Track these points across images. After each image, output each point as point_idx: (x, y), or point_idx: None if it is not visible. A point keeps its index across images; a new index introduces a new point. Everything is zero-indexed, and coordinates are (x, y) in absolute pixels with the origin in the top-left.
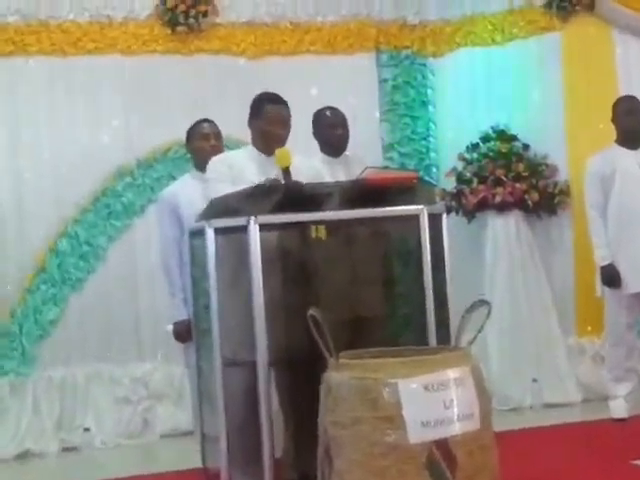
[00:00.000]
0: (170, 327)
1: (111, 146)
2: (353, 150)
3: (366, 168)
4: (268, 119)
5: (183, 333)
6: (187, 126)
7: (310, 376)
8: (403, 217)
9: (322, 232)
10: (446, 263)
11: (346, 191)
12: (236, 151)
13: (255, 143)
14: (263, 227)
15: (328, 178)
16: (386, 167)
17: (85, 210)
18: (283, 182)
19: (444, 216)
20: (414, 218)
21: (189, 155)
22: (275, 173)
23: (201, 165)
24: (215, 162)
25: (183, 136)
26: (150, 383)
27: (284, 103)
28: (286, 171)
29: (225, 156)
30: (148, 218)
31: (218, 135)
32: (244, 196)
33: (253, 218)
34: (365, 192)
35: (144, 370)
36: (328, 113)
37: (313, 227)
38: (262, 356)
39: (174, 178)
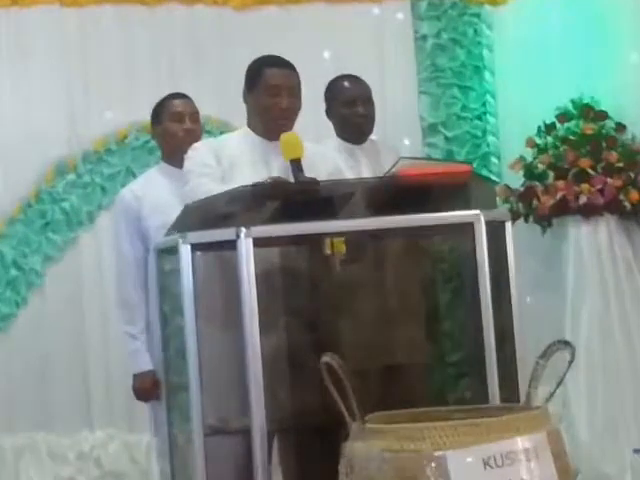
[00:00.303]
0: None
1: (46, 132)
2: (381, 134)
3: (399, 159)
4: (269, 89)
5: (147, 389)
6: (152, 103)
7: (325, 447)
8: (452, 226)
9: (340, 247)
10: (512, 289)
11: (373, 191)
12: (226, 136)
13: (252, 124)
14: (259, 242)
15: (348, 173)
16: (427, 158)
17: (12, 220)
18: (293, 179)
19: (508, 224)
20: (467, 228)
21: (156, 143)
22: (280, 165)
23: (173, 156)
24: (197, 150)
25: (146, 117)
26: (103, 458)
27: (291, 67)
28: (295, 163)
29: (211, 143)
30: (99, 230)
31: (195, 115)
32: (234, 199)
33: (244, 230)
34: (399, 192)
35: (95, 441)
36: (346, 84)
37: (328, 240)
38: (259, 421)
39: (134, 175)
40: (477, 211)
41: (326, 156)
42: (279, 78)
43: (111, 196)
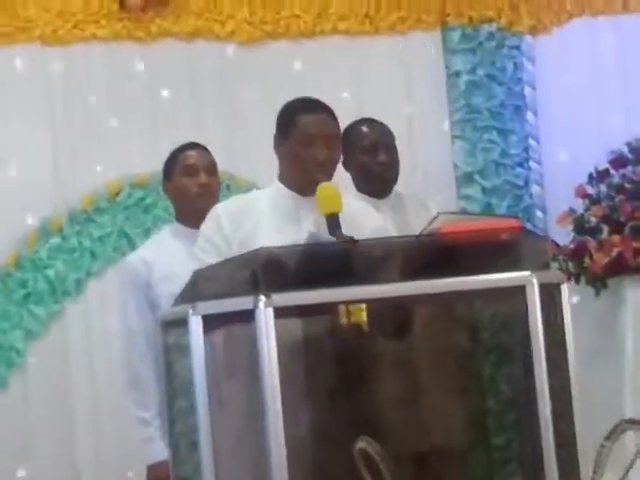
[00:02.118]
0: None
1: (27, 188)
2: (409, 186)
3: (438, 215)
4: (304, 139)
5: None
6: (145, 153)
7: None
8: (500, 290)
9: (359, 315)
10: (570, 361)
11: (411, 251)
12: (256, 192)
13: (284, 177)
14: (281, 313)
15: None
16: (469, 213)
17: None
18: (329, 236)
19: (564, 287)
20: (518, 292)
21: (168, 200)
22: (312, 224)
23: (187, 215)
24: (211, 218)
25: (139, 169)
26: None
27: (329, 113)
28: (333, 219)
29: (234, 205)
30: (88, 301)
31: (211, 167)
32: (252, 262)
33: (264, 298)
34: (440, 252)
35: None
36: (364, 129)
37: (343, 308)
38: None
39: (128, 237)
40: (528, 272)
41: (370, 212)
42: (316, 126)
43: (101, 261)
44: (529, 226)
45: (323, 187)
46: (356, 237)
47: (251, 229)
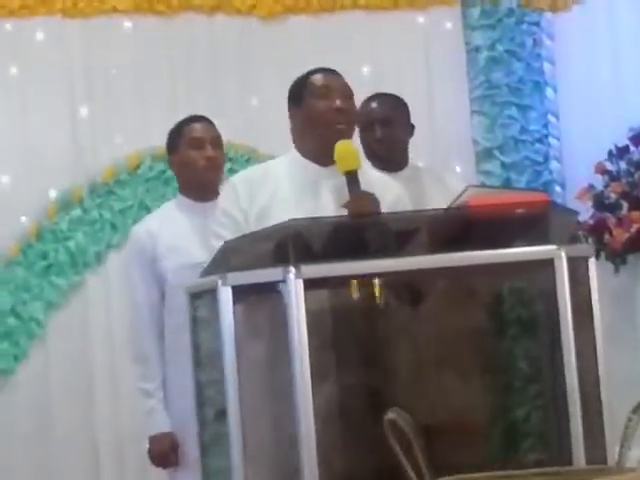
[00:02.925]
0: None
1: (48, 161)
2: (429, 160)
3: (467, 188)
4: (318, 92)
5: (165, 453)
6: (168, 127)
7: None
8: (528, 264)
9: (376, 289)
10: (597, 335)
11: (439, 224)
12: (271, 162)
13: (300, 145)
14: (311, 284)
15: None
16: (498, 186)
17: (10, 262)
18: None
19: (592, 261)
20: (546, 265)
21: (173, 173)
22: (331, 194)
23: (192, 188)
24: (227, 190)
25: (161, 143)
26: None
27: (338, 74)
28: (351, 176)
29: (249, 176)
30: (108, 272)
31: (217, 140)
32: (282, 234)
33: (293, 270)
34: (468, 225)
35: None
36: (365, 105)
37: (354, 283)
38: None
39: (148, 209)
40: (556, 246)
41: (389, 184)
42: (328, 79)
43: (122, 234)
44: None
45: (341, 144)
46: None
47: (268, 198)
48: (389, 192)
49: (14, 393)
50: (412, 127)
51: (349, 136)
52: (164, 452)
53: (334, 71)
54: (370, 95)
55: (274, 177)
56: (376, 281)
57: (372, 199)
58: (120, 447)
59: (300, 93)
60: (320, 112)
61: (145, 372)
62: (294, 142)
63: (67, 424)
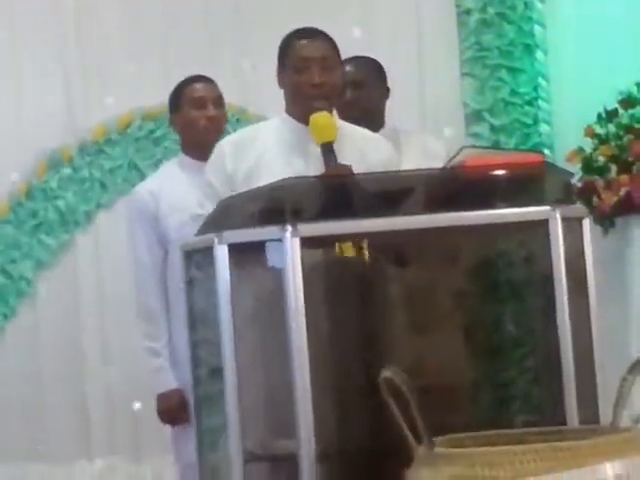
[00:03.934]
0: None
1: (38, 119)
2: (419, 122)
3: (462, 148)
4: (297, 64)
5: (174, 410)
6: (157, 86)
7: (380, 475)
8: (522, 224)
9: (348, 252)
10: (591, 295)
11: (435, 184)
12: (262, 124)
13: (289, 109)
14: (308, 243)
15: None
16: (492, 147)
17: None
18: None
19: (586, 222)
20: (540, 226)
21: (174, 132)
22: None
23: (194, 147)
24: (215, 155)
25: (152, 103)
26: None
27: (324, 37)
28: (327, 148)
29: (238, 138)
30: (97, 231)
31: (219, 100)
32: (278, 193)
33: (290, 228)
34: (464, 185)
35: (94, 472)
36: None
37: (337, 244)
38: (307, 445)
39: (138, 169)
40: (552, 207)
41: (381, 144)
42: (308, 49)
43: (111, 193)
44: None
45: (316, 116)
46: (364, 169)
47: (256, 158)
48: (380, 151)
49: (3, 352)
50: (387, 90)
51: (329, 108)
52: (172, 409)
53: (317, 35)
54: (344, 59)
55: (263, 137)
56: (366, 242)
57: (348, 170)
58: (110, 406)
59: (284, 59)
60: (299, 86)
61: (151, 331)
62: (285, 101)
63: (56, 383)
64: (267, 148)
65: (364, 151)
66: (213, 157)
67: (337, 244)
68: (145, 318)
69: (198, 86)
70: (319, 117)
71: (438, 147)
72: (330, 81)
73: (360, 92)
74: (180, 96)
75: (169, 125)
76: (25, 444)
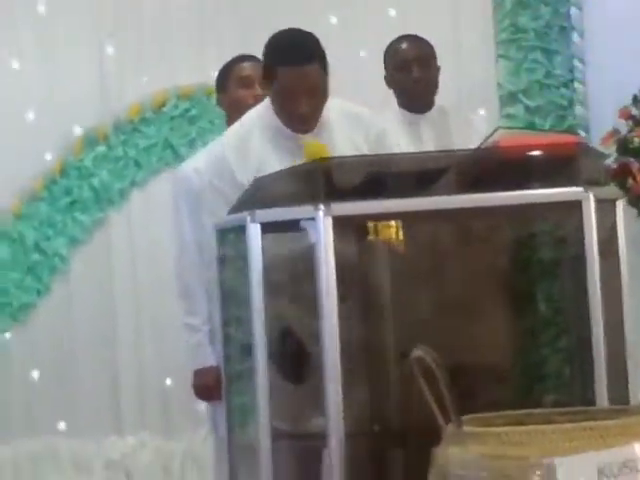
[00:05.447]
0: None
1: (74, 98)
2: (454, 103)
3: (497, 128)
4: (283, 90)
5: (210, 386)
6: (192, 65)
7: (411, 453)
8: (555, 205)
9: (386, 232)
10: (623, 277)
11: (469, 164)
12: (250, 125)
13: (275, 110)
14: (340, 222)
15: (406, 145)
16: (527, 127)
17: (34, 198)
18: None
19: (619, 203)
20: (573, 207)
21: (212, 112)
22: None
23: None
24: (227, 161)
25: (187, 81)
26: (133, 468)
27: (312, 58)
28: None
29: (239, 141)
30: (131, 210)
31: None
32: (311, 173)
33: (323, 207)
34: (498, 166)
35: (125, 448)
36: (401, 45)
37: (371, 225)
38: (336, 423)
39: (173, 148)
40: (582, 189)
41: (374, 119)
42: (296, 81)
43: (146, 171)
44: None
45: (308, 146)
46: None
47: (257, 163)
48: (374, 126)
49: (36, 327)
50: (438, 68)
51: (314, 126)
52: (209, 385)
53: (308, 56)
54: (401, 36)
55: (256, 144)
56: (399, 222)
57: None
58: (141, 382)
59: (269, 76)
60: (285, 111)
61: (190, 307)
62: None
63: (88, 359)
64: (264, 154)
65: (362, 125)
66: (220, 168)
67: (373, 225)
68: (185, 295)
69: (245, 65)
70: (311, 146)
71: (481, 125)
72: (316, 108)
73: (426, 70)
74: (227, 75)
75: (217, 104)
76: (57, 419)
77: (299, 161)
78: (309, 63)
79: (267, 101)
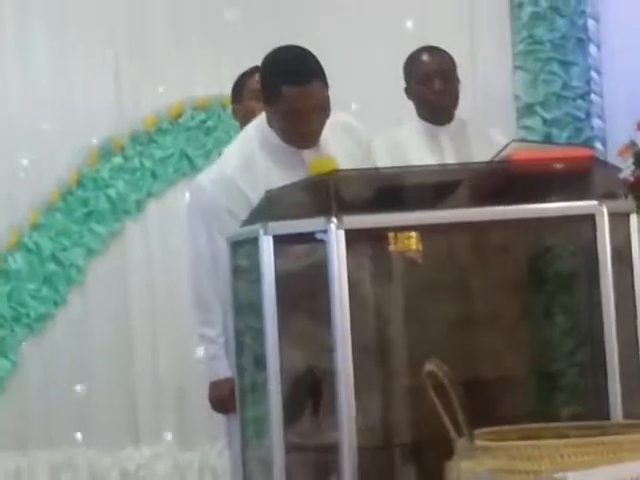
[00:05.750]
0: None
1: (90, 109)
2: (470, 115)
3: (511, 142)
4: (287, 109)
5: (226, 398)
6: (208, 76)
7: (423, 467)
8: (569, 219)
9: (407, 244)
10: (637, 290)
11: (482, 178)
12: (242, 139)
13: (273, 127)
14: (353, 235)
15: (427, 157)
16: (541, 141)
17: (50, 209)
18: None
19: (633, 217)
20: (586, 220)
21: (229, 123)
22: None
23: None
24: (234, 182)
25: (201, 92)
26: (149, 477)
27: (314, 77)
28: None
29: (244, 159)
30: (147, 220)
31: None
32: (323, 186)
33: (335, 220)
34: (511, 179)
35: (141, 459)
36: (422, 57)
37: (391, 235)
38: (349, 436)
39: (189, 159)
40: (599, 201)
41: (362, 128)
42: (302, 99)
43: (162, 182)
44: None
45: (315, 162)
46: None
47: (264, 179)
48: (363, 132)
49: (53, 338)
50: (459, 80)
51: (317, 142)
52: (225, 398)
53: (310, 76)
54: (419, 48)
55: (257, 154)
56: (414, 234)
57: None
58: (158, 393)
59: (270, 97)
60: (288, 131)
61: (206, 318)
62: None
63: (105, 371)
64: (266, 166)
65: (355, 135)
66: (228, 189)
67: (391, 237)
68: (201, 306)
69: (259, 77)
70: (319, 165)
71: (499, 138)
72: (321, 123)
73: (448, 83)
74: (242, 87)
75: (232, 115)
76: (73, 430)
77: (303, 177)
78: (313, 81)
79: (261, 118)
